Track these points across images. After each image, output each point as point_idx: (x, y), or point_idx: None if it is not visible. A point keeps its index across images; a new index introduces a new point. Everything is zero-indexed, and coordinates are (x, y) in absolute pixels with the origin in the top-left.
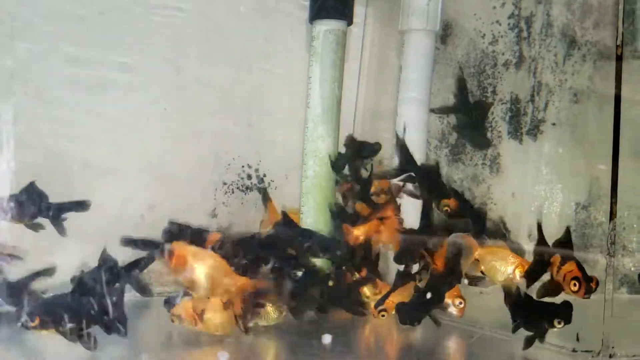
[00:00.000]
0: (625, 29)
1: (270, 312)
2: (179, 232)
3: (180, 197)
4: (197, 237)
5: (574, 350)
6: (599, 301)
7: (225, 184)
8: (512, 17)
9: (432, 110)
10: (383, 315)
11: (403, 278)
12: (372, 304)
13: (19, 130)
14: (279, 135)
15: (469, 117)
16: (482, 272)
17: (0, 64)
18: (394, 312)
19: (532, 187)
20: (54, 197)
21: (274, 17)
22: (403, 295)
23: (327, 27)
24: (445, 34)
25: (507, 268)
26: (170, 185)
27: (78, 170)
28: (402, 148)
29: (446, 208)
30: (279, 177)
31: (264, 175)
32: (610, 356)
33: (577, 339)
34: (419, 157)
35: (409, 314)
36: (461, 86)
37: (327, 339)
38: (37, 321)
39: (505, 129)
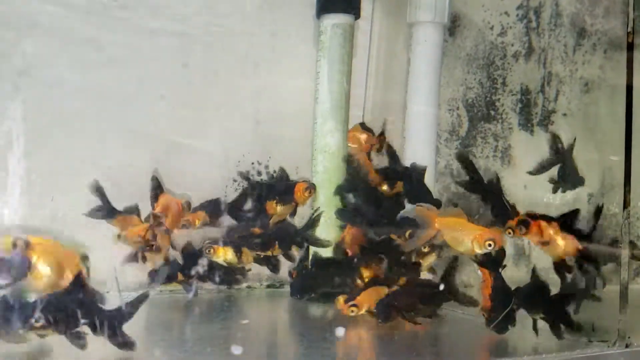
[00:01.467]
0: (636, 16)
1: None
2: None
3: (191, 193)
4: (287, 189)
5: (589, 341)
6: (614, 291)
7: (235, 180)
8: (520, 8)
9: (530, 173)
10: (353, 312)
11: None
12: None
13: (27, 128)
14: (287, 131)
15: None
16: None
17: (8, 62)
18: (365, 310)
19: (544, 178)
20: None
21: (281, 11)
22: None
23: (334, 21)
24: (453, 26)
25: (467, 239)
26: (180, 182)
27: (87, 168)
28: (466, 162)
29: (509, 231)
30: (289, 173)
31: (274, 172)
32: (627, 346)
33: (593, 329)
34: (429, 151)
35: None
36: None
37: (340, 331)
38: (43, 322)
39: (515, 121)
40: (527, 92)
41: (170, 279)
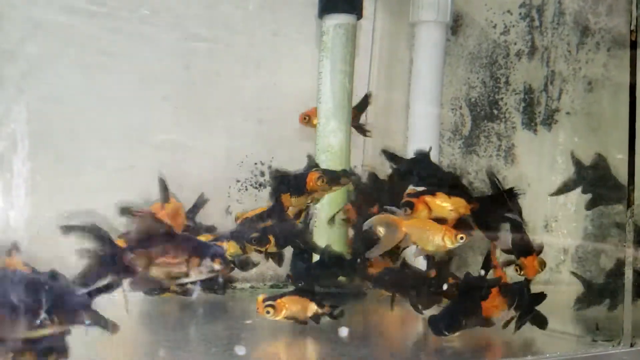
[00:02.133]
0: (639, 14)
1: None
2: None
3: (193, 194)
4: (298, 180)
5: (593, 340)
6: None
7: (238, 181)
8: (523, 6)
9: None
10: (268, 312)
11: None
12: None
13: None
14: (290, 131)
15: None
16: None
17: (11, 64)
18: (282, 316)
19: (547, 177)
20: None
21: (282, 11)
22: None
23: (336, 21)
24: (456, 25)
25: (437, 237)
26: (182, 183)
27: (91, 169)
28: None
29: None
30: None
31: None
32: (631, 345)
33: (597, 329)
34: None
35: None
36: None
37: (343, 331)
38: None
39: (519, 120)
40: (530, 91)
41: (162, 288)
